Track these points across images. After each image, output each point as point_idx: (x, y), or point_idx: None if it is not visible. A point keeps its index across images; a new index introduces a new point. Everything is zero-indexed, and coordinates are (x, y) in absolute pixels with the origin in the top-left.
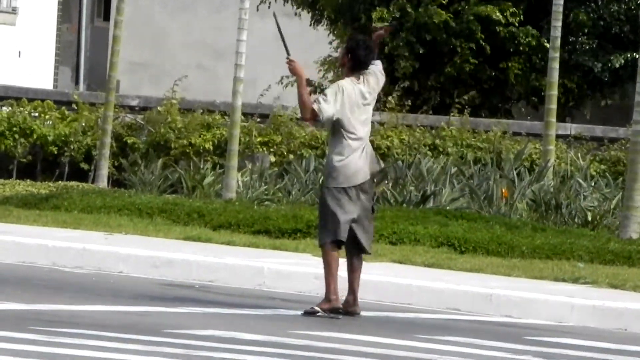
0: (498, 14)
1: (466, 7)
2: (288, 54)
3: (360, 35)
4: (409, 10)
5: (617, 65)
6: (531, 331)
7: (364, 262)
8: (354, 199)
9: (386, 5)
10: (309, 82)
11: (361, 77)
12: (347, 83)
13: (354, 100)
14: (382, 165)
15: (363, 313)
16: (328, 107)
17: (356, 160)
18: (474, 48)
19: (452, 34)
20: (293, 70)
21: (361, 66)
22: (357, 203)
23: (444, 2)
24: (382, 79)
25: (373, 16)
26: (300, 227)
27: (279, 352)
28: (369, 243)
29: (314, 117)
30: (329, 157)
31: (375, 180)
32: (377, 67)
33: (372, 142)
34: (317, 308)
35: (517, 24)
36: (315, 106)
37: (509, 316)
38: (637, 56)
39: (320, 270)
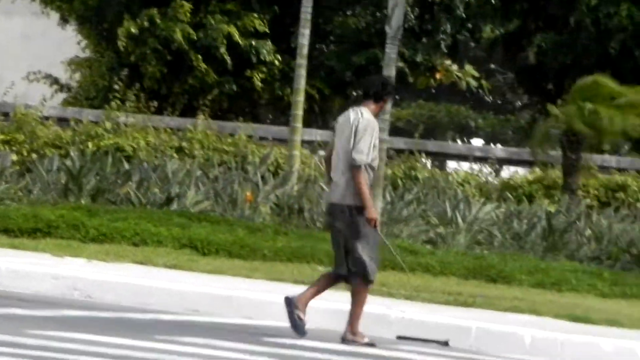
0: (234, 30)
1: (210, 18)
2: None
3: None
4: (158, 20)
5: (360, 63)
6: (270, 333)
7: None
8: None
9: (134, 17)
10: None
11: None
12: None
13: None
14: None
15: (100, 314)
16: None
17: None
18: (217, 60)
19: (196, 47)
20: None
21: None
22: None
23: (187, 18)
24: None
25: (123, 25)
26: (40, 226)
27: (14, 352)
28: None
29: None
30: None
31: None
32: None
33: (116, 143)
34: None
35: (261, 33)
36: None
37: (249, 318)
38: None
39: (60, 271)
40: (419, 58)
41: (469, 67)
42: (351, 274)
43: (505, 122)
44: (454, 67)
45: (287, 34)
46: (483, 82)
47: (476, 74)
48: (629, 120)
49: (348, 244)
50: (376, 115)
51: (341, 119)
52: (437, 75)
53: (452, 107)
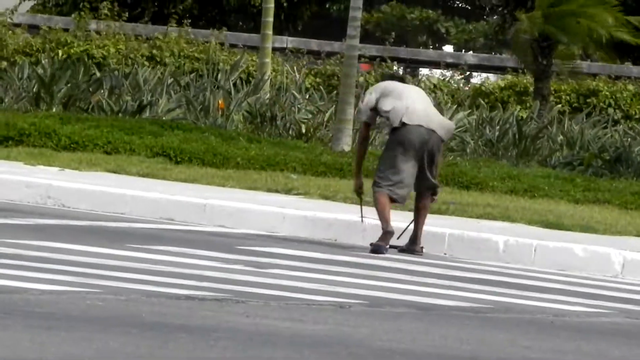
0: None
1: None
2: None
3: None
4: None
5: None
6: (244, 241)
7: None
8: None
9: None
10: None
11: None
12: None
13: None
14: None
15: (75, 222)
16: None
17: None
18: None
19: None
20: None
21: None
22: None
23: None
24: None
25: None
26: (12, 134)
27: None
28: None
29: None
30: None
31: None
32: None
33: (87, 51)
34: (378, 243)
35: None
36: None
37: (223, 226)
38: None
39: (33, 179)
40: None
41: None
42: (434, 189)
43: (476, 26)
44: None
45: None
46: None
47: None
48: (596, 19)
49: (431, 167)
50: None
51: (399, 86)
52: None
53: (423, 10)
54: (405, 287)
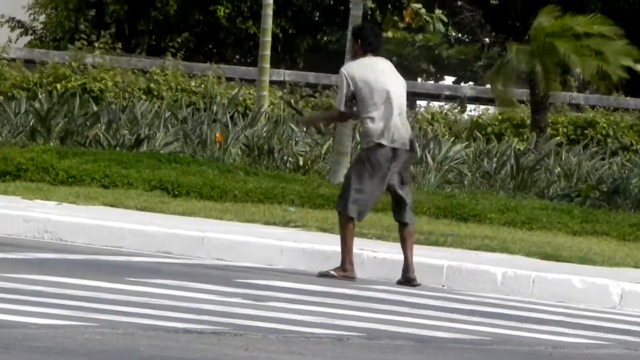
0: None
1: None
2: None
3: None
4: None
5: (328, 3)
6: (241, 274)
7: None
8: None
9: None
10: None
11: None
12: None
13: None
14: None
15: (71, 256)
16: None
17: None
18: None
19: None
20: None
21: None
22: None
23: None
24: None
25: None
26: (10, 169)
27: None
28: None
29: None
30: None
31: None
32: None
33: (84, 85)
34: (332, 272)
35: None
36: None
37: (220, 259)
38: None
39: (30, 213)
40: None
41: (438, 12)
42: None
43: (476, 51)
44: (423, 10)
45: None
46: (451, 28)
47: (445, 19)
48: (588, 62)
49: (402, 189)
50: None
51: (380, 65)
52: (405, 15)
53: (425, 35)
54: (404, 319)
